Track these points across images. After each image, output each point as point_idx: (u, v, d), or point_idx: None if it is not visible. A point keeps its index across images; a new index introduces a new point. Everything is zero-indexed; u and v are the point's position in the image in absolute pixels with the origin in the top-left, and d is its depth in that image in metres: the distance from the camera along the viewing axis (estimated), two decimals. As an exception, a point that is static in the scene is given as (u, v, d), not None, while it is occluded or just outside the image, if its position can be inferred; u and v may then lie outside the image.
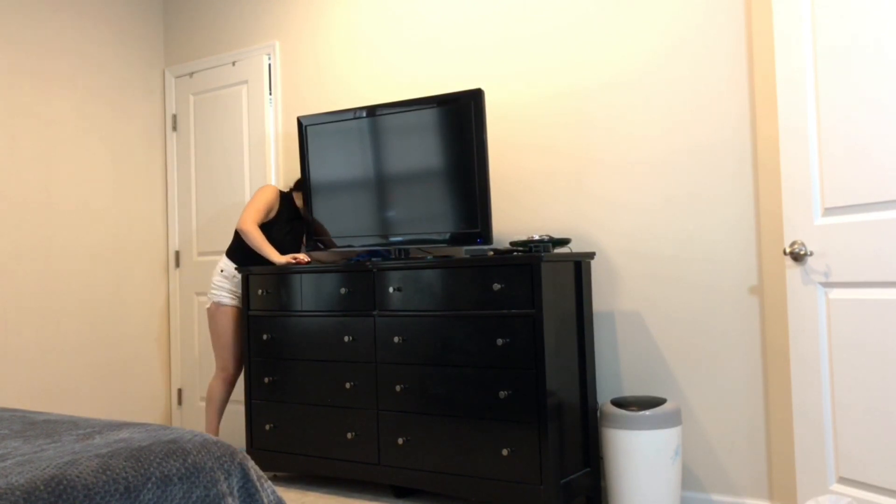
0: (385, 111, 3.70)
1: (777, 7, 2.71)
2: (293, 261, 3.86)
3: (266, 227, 4.05)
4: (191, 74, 4.99)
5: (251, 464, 2.07)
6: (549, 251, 3.25)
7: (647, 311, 3.41)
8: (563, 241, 3.38)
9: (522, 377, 3.13)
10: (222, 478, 1.97)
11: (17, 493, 1.61)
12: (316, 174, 3.94)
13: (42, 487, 1.65)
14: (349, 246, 3.84)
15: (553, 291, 3.18)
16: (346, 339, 3.61)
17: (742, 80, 3.19)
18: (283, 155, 4.56)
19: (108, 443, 1.96)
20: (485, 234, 3.42)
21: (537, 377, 3.10)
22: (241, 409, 4.60)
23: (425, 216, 3.58)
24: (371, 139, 3.75)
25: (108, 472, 1.77)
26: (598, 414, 3.32)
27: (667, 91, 3.36)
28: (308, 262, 3.86)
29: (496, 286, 3.18)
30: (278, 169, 4.56)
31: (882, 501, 2.40)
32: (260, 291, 3.93)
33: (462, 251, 3.78)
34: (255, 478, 2.05)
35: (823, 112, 2.56)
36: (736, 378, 3.21)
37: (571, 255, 3.30)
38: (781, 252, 3.09)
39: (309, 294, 3.76)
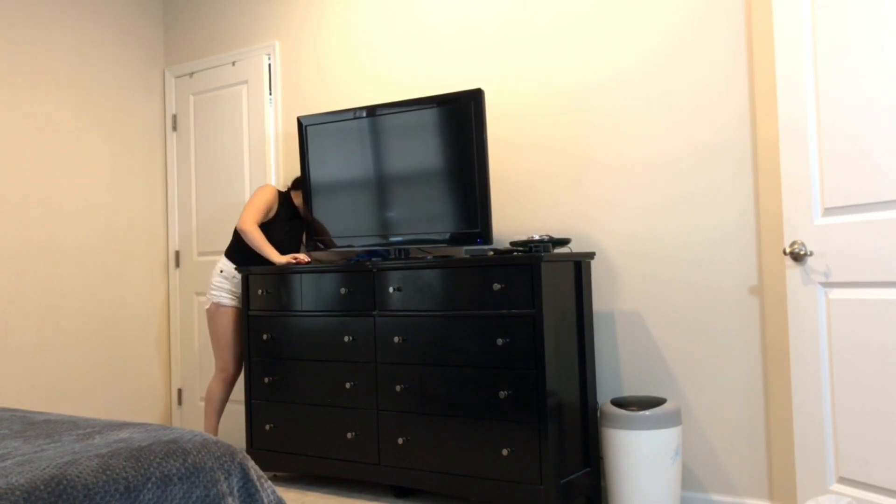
0: (385, 111, 3.70)
1: (777, 7, 2.71)
2: (293, 261, 3.86)
3: (265, 227, 4.05)
4: (191, 74, 4.99)
5: (251, 464, 2.07)
6: (549, 251, 3.25)
7: (647, 311, 3.41)
8: (563, 241, 3.38)
9: (522, 377, 3.13)
10: (222, 478, 1.97)
11: (17, 493, 1.61)
12: (316, 174, 3.94)
13: (42, 487, 1.65)
14: (349, 246, 3.84)
15: (553, 291, 3.18)
16: (346, 339, 3.61)
17: (742, 80, 3.19)
18: (283, 155, 4.56)
19: (108, 443, 1.96)
20: (485, 234, 3.42)
21: (537, 377, 3.10)
22: (241, 409, 4.60)
23: (425, 216, 3.58)
24: (371, 139, 3.75)
25: (108, 472, 1.77)
26: (598, 414, 3.32)
27: (667, 91, 3.36)
28: (308, 262, 3.86)
29: (496, 286, 3.18)
30: (278, 169, 4.56)
31: (882, 501, 2.40)
32: (260, 291, 3.93)
33: (462, 251, 3.78)
34: (255, 478, 2.05)
35: (823, 112, 2.56)
36: (736, 378, 3.21)
37: (571, 255, 3.30)
38: (781, 252, 3.09)
39: (309, 294, 3.76)
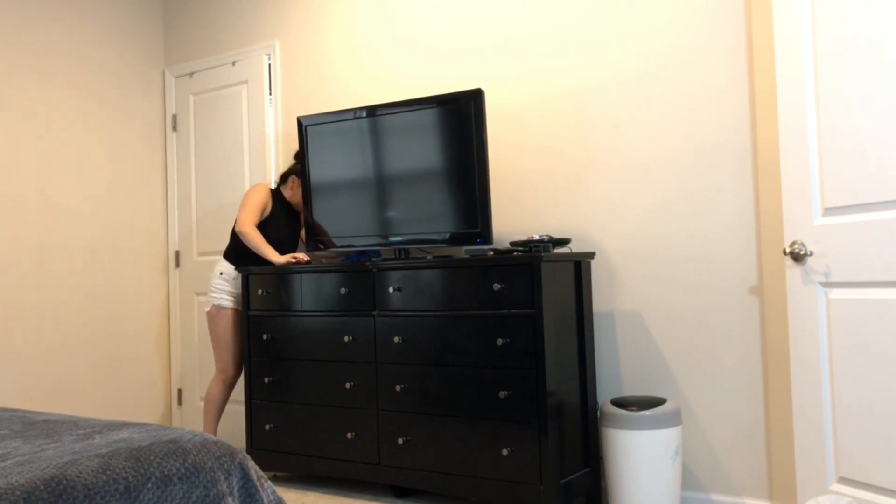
0: (385, 111, 3.70)
1: (777, 7, 2.71)
2: (293, 260, 3.86)
3: (263, 226, 4.05)
4: (191, 74, 4.99)
5: (251, 464, 2.07)
6: (549, 251, 3.25)
7: (646, 311, 3.41)
8: (563, 241, 3.38)
9: (522, 377, 3.13)
10: (222, 478, 1.97)
11: (17, 493, 1.61)
12: (316, 174, 3.94)
13: (42, 487, 1.65)
14: (349, 246, 3.84)
15: (553, 291, 3.18)
16: (346, 339, 3.61)
17: (742, 80, 3.19)
18: (283, 155, 4.56)
19: (108, 443, 1.96)
20: (485, 234, 3.42)
21: (537, 377, 3.10)
22: (241, 409, 4.60)
23: (425, 216, 3.58)
24: (371, 139, 3.75)
25: (108, 472, 1.77)
26: (598, 414, 3.32)
27: (667, 91, 3.36)
28: (308, 261, 3.86)
29: (496, 286, 3.18)
30: (278, 169, 4.56)
31: (882, 501, 2.40)
32: (260, 291, 3.93)
33: (462, 251, 3.78)
34: (255, 478, 2.05)
35: (823, 112, 2.56)
36: (736, 378, 3.21)
37: (571, 255, 3.30)
38: (781, 252, 3.09)
39: (309, 294, 3.76)
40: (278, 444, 3.85)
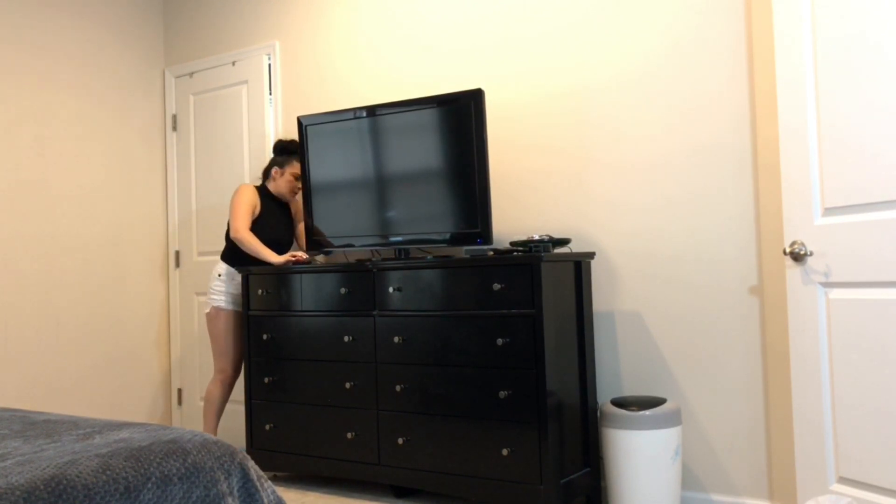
0: (385, 111, 3.70)
1: (777, 7, 2.71)
2: (292, 258, 3.86)
3: (257, 225, 4.05)
4: (191, 74, 4.99)
5: (251, 464, 2.07)
6: (549, 251, 3.25)
7: (647, 311, 3.41)
8: (563, 241, 3.38)
9: (522, 377, 3.13)
10: (222, 478, 1.97)
11: (17, 493, 1.61)
12: (316, 174, 3.94)
13: (42, 487, 1.65)
14: (349, 246, 3.84)
15: (553, 291, 3.18)
16: (345, 339, 3.61)
17: (742, 80, 3.19)
18: (283, 155, 4.56)
19: (108, 443, 1.96)
20: (485, 234, 3.42)
21: (537, 377, 3.10)
22: (241, 409, 4.60)
23: (425, 216, 3.58)
24: (371, 139, 3.75)
25: (108, 472, 1.77)
26: (598, 414, 3.32)
27: (667, 91, 3.36)
28: (307, 260, 3.86)
29: (496, 286, 3.18)
30: (278, 169, 4.56)
31: (882, 501, 2.40)
32: (260, 291, 3.93)
33: (462, 251, 3.78)
34: (255, 478, 2.05)
35: (823, 112, 2.56)
36: (736, 378, 3.21)
37: (571, 255, 3.30)
38: (781, 252, 3.09)
39: (309, 294, 3.76)
40: (278, 444, 3.85)
